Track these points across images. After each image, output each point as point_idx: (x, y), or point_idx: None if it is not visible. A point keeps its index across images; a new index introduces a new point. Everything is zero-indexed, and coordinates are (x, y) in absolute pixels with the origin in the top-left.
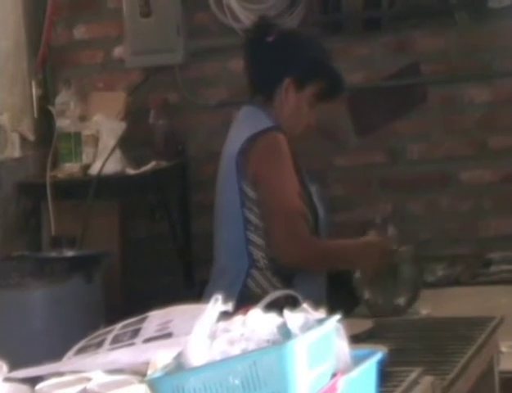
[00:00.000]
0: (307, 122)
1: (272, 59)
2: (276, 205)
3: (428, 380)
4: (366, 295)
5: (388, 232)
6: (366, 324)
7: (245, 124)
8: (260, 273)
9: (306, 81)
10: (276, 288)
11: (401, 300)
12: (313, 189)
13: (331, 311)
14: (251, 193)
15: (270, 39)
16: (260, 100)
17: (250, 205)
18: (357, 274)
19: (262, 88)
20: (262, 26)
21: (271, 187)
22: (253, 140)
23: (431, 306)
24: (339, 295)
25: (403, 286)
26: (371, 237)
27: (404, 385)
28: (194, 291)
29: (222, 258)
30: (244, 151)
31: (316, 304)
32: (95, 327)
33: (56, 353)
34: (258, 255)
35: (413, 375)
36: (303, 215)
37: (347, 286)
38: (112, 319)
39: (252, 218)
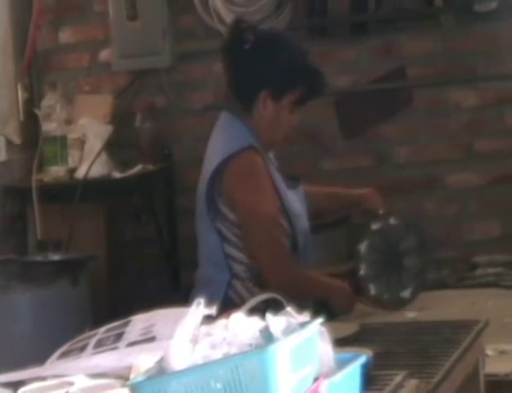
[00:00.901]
0: (288, 128)
1: (248, 71)
2: (255, 231)
3: (413, 383)
4: (372, 290)
5: (390, 222)
6: (351, 327)
7: (222, 137)
8: (242, 283)
9: (283, 92)
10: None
11: (407, 293)
12: (297, 194)
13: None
14: (227, 213)
15: (246, 47)
16: (239, 107)
17: (225, 222)
18: (362, 271)
19: (239, 99)
20: (238, 29)
21: (249, 213)
22: (227, 162)
23: (417, 309)
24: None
25: (408, 278)
26: (341, 282)
27: (389, 388)
28: (180, 294)
29: (204, 268)
30: (219, 172)
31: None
32: (81, 331)
33: (41, 356)
34: (239, 268)
35: (398, 378)
36: (283, 236)
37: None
38: (98, 322)
39: (228, 234)
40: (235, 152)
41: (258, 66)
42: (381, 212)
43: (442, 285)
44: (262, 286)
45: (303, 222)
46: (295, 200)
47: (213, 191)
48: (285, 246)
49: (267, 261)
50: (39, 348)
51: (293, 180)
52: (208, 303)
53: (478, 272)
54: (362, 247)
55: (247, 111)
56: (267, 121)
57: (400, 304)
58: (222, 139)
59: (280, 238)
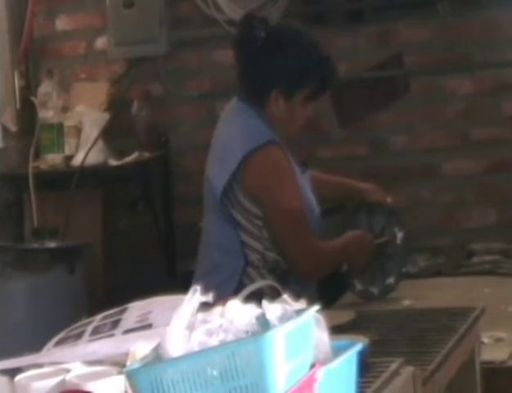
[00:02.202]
0: (303, 120)
1: (259, 70)
2: (284, 226)
3: (409, 370)
4: (358, 286)
5: (372, 214)
6: (347, 315)
7: (242, 129)
8: (256, 271)
9: (294, 90)
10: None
11: (391, 279)
12: (306, 179)
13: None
14: (249, 205)
15: (257, 44)
16: (253, 100)
17: (244, 212)
18: (344, 267)
19: (251, 94)
20: (249, 25)
21: (277, 209)
22: (251, 156)
23: (413, 297)
24: (327, 284)
25: (392, 266)
26: (354, 231)
27: (385, 375)
28: (176, 282)
29: (214, 254)
30: (242, 166)
31: (309, 298)
32: (77, 319)
33: (37, 344)
34: (254, 256)
35: (394, 365)
36: (309, 225)
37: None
38: (94, 310)
39: (245, 223)
40: (259, 146)
41: (268, 66)
42: (389, 200)
43: (438, 272)
44: (276, 273)
45: (315, 208)
46: (306, 186)
47: (234, 183)
48: (312, 236)
49: (300, 255)
50: (35, 335)
51: (302, 165)
52: (220, 289)
53: (475, 259)
54: None
55: (260, 105)
56: (280, 117)
57: (386, 292)
58: (242, 131)
59: (307, 229)
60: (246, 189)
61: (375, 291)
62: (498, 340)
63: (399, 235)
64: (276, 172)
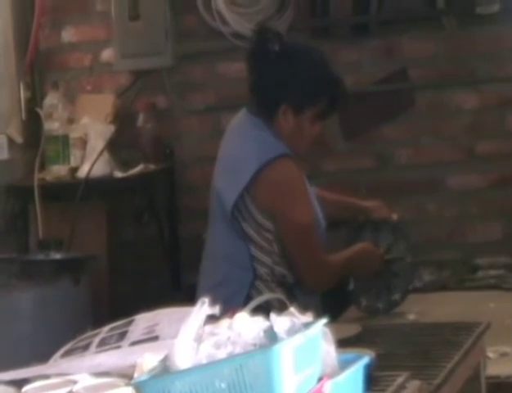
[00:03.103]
0: (310, 138)
1: (270, 84)
2: (297, 240)
3: (414, 384)
4: (364, 302)
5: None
6: (353, 329)
7: (254, 143)
8: (264, 284)
9: (303, 106)
10: (279, 300)
11: (397, 296)
12: (312, 193)
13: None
14: (260, 218)
15: (271, 56)
16: (261, 113)
17: (254, 225)
18: (351, 286)
19: (261, 107)
20: (264, 38)
21: (290, 222)
22: (264, 170)
23: (418, 311)
24: (331, 298)
25: (397, 282)
26: (362, 244)
27: (391, 389)
28: (181, 294)
29: (222, 267)
30: (255, 179)
31: (315, 311)
32: (82, 330)
33: (42, 355)
34: (263, 270)
35: (400, 379)
36: (318, 240)
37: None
38: (99, 322)
39: (255, 237)
40: (272, 159)
41: (279, 79)
42: (395, 217)
43: (443, 287)
44: (284, 286)
45: (322, 221)
46: (313, 199)
47: (247, 196)
48: (321, 250)
49: (308, 268)
50: (40, 347)
51: (308, 179)
52: (228, 302)
53: (480, 274)
54: None
55: (268, 118)
56: (288, 132)
57: (391, 307)
58: (254, 144)
59: (317, 243)
60: (259, 202)
61: (380, 306)
62: (503, 354)
63: (406, 253)
64: (289, 185)
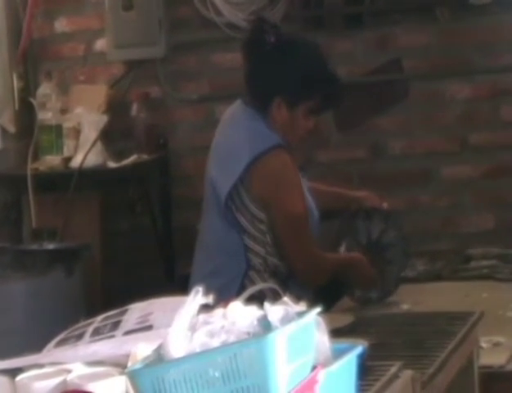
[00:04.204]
0: (303, 132)
1: (265, 75)
2: (290, 230)
3: (408, 374)
4: (357, 292)
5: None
6: (347, 318)
7: (248, 133)
8: (258, 274)
9: (297, 100)
10: (273, 289)
11: (390, 284)
12: (305, 184)
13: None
14: (254, 209)
15: (267, 48)
16: (256, 104)
17: (248, 215)
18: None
19: (256, 98)
20: (260, 29)
21: (283, 213)
22: (258, 160)
23: (411, 301)
24: (324, 290)
25: (391, 272)
26: (360, 255)
27: (384, 379)
28: (174, 284)
29: (216, 257)
30: (249, 169)
31: (308, 301)
32: (75, 320)
33: (36, 345)
34: (256, 261)
35: (393, 369)
36: (311, 231)
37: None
38: (92, 312)
39: (249, 227)
40: (267, 150)
41: (274, 72)
42: (385, 205)
43: (436, 277)
44: (277, 276)
45: (314, 212)
46: (306, 190)
47: (241, 186)
48: (313, 242)
49: (300, 260)
50: (33, 337)
51: (300, 170)
52: (222, 292)
53: (473, 264)
54: (342, 250)
55: (262, 109)
56: (281, 125)
57: (384, 296)
58: (249, 134)
59: (310, 235)
60: (253, 193)
61: (373, 296)
62: (496, 344)
63: (398, 240)
64: (283, 176)
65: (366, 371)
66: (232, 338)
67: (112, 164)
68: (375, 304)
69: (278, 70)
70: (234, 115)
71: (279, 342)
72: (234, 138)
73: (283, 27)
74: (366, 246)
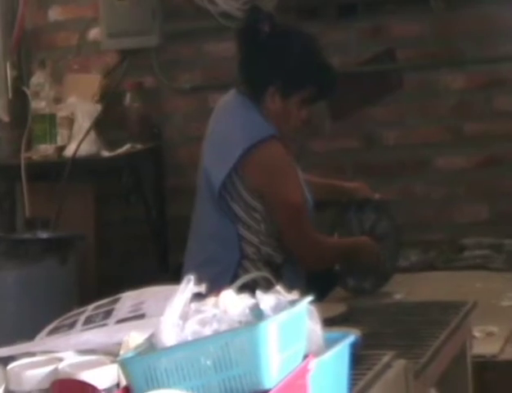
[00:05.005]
0: (297, 122)
1: (259, 65)
2: (288, 218)
3: (400, 363)
4: (350, 282)
5: (362, 209)
6: (339, 308)
7: (242, 122)
8: (252, 264)
9: (291, 89)
10: (266, 278)
11: (388, 266)
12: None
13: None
14: (249, 198)
15: (261, 37)
16: (251, 93)
17: (242, 204)
18: (337, 266)
19: (249, 88)
20: (254, 18)
21: (280, 202)
22: (253, 150)
23: (405, 291)
24: (317, 280)
25: (385, 255)
26: (363, 238)
27: (377, 368)
28: (168, 274)
29: (209, 246)
30: (244, 159)
31: (301, 290)
32: (68, 309)
33: (28, 334)
34: (250, 250)
35: (386, 358)
36: (309, 217)
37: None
38: (85, 302)
39: (243, 216)
40: (261, 140)
41: (268, 61)
42: (377, 196)
43: (429, 267)
44: (271, 265)
45: (309, 200)
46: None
47: (235, 175)
48: (313, 228)
49: (302, 247)
50: (26, 326)
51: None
52: (215, 281)
53: (466, 254)
54: None
55: (257, 99)
56: (275, 114)
57: (378, 285)
58: (243, 124)
59: (309, 222)
60: (248, 183)
61: (367, 286)
62: (489, 334)
63: (391, 230)
64: (278, 166)
65: (358, 360)
66: (224, 327)
67: (106, 154)
68: (369, 295)
69: (272, 60)
70: (227, 105)
71: (271, 331)
72: (228, 128)
73: (277, 17)
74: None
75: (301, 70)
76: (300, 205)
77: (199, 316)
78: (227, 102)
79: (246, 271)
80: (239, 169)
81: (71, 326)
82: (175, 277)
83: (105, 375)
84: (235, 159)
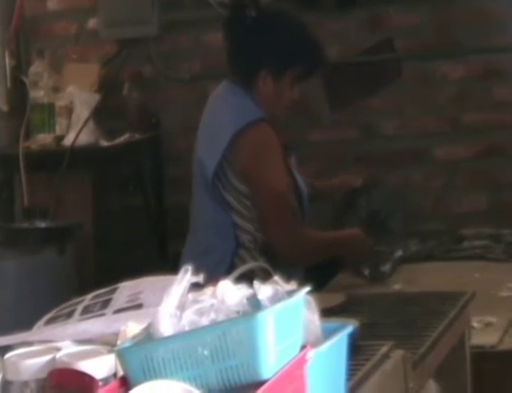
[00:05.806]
0: (289, 102)
1: (248, 49)
2: (269, 205)
3: (399, 354)
4: (366, 271)
5: (369, 197)
6: (337, 298)
7: (231, 108)
8: (248, 253)
9: (283, 70)
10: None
11: (387, 267)
12: (292, 162)
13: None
14: (238, 184)
15: (247, 23)
16: (241, 80)
17: (234, 192)
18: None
19: (240, 74)
20: (240, 4)
21: (263, 186)
22: (240, 134)
23: (403, 281)
24: (316, 269)
25: (394, 238)
26: (354, 230)
27: (375, 358)
28: (167, 264)
29: (206, 236)
30: (232, 144)
31: (299, 280)
32: (66, 299)
33: (26, 324)
34: (245, 238)
35: (384, 349)
36: (293, 209)
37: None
38: (84, 291)
39: (236, 204)
40: (249, 124)
41: (258, 45)
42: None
43: (428, 257)
44: (267, 254)
45: (305, 191)
46: (294, 168)
47: (225, 162)
48: (295, 221)
49: (280, 237)
50: (24, 315)
51: (286, 149)
52: (212, 271)
53: (465, 244)
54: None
55: (248, 85)
56: (268, 97)
57: (399, 262)
58: (231, 110)
59: (290, 212)
60: (236, 166)
61: (385, 268)
62: (488, 324)
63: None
64: (265, 149)
65: (356, 350)
66: (221, 317)
67: (104, 143)
68: (388, 278)
69: (261, 43)
70: (218, 94)
71: (268, 321)
72: (217, 115)
73: (275, 5)
74: (366, 219)
75: (290, 49)
76: (283, 193)
77: (197, 306)
78: (217, 92)
79: (243, 260)
80: (228, 155)
81: (69, 315)
82: (174, 266)
83: (102, 365)
84: (225, 145)
